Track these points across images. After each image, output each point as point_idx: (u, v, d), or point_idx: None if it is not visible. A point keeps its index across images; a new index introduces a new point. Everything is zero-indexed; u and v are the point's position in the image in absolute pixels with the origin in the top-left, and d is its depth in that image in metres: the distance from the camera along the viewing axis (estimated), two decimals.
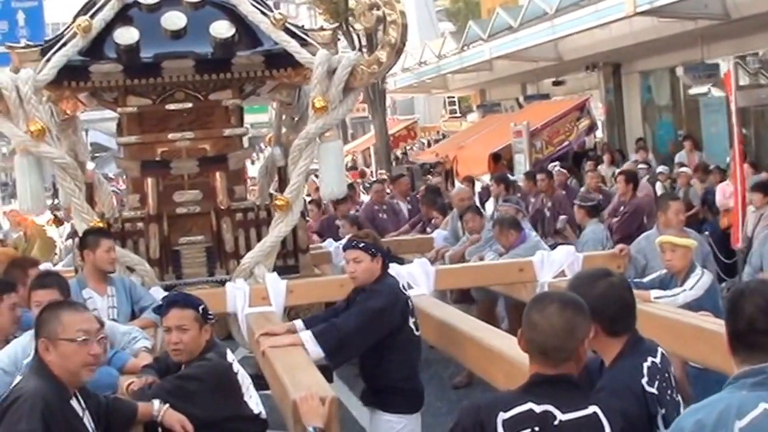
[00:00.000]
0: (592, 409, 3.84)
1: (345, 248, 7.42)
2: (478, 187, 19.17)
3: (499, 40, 28.77)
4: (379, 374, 7.11)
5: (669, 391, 4.36)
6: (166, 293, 8.62)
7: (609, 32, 24.11)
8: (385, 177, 24.82)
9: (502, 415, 3.83)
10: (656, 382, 4.29)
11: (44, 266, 9.68)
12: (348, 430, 9.69)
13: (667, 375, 4.40)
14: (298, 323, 7.45)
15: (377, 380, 7.16)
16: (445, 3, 57.37)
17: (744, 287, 3.64)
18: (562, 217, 14.74)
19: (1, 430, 4.63)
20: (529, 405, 3.83)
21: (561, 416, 3.81)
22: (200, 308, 5.95)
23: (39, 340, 4.80)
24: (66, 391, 4.77)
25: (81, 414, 4.80)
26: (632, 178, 14.45)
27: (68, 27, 9.57)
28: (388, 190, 18.60)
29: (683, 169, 19.10)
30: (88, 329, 4.80)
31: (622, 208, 13.92)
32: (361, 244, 7.19)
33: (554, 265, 9.26)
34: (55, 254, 17.70)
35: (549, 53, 28.05)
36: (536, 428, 3.80)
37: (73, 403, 4.79)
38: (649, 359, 4.35)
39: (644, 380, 4.25)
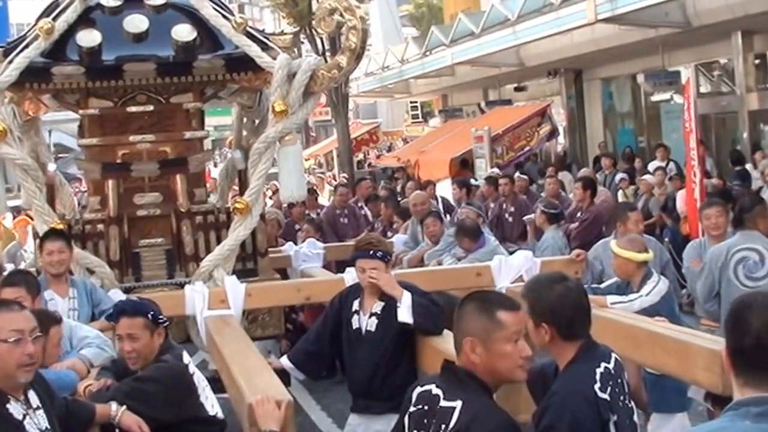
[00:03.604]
0: (456, 403, 4.02)
1: (360, 257, 7.23)
2: (439, 192, 19.10)
3: (461, 46, 28.90)
4: (407, 375, 7.10)
5: (621, 398, 4.40)
6: (125, 295, 8.65)
7: (570, 39, 24.27)
8: (344, 180, 24.85)
9: (417, 390, 4.23)
10: (609, 388, 4.33)
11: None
12: None
13: (620, 381, 4.44)
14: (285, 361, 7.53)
15: (403, 382, 7.14)
16: (409, 8, 57.42)
17: (750, 299, 3.29)
18: (529, 216, 14.81)
19: None
20: (431, 386, 4.16)
21: (442, 402, 4.07)
22: (149, 314, 5.97)
23: None
24: (1, 395, 4.66)
25: (21, 417, 4.67)
26: (590, 185, 14.47)
27: (31, 29, 9.55)
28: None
29: (645, 177, 19.18)
30: (22, 329, 4.67)
31: (579, 214, 13.96)
32: (380, 254, 7.20)
33: (512, 270, 9.26)
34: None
35: (511, 59, 28.18)
36: (426, 407, 4.13)
37: (11, 406, 4.66)
38: (603, 365, 4.39)
39: (597, 386, 4.29)
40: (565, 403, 4.21)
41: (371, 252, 7.15)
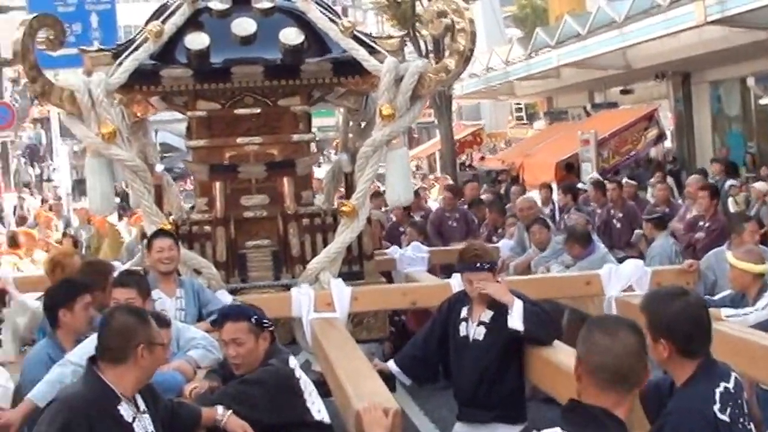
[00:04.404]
0: None
1: (468, 270, 7.14)
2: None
3: (567, 48, 28.60)
4: (514, 384, 7.11)
5: (741, 419, 4.27)
6: (232, 296, 8.70)
7: (678, 41, 23.86)
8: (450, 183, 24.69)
9: None
10: (728, 409, 4.20)
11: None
12: None
13: (740, 402, 4.31)
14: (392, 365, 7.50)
15: (510, 391, 7.10)
16: (513, 9, 57.12)
17: None
18: (637, 231, 14.54)
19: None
20: (556, 429, 3.77)
21: None
22: (253, 319, 5.95)
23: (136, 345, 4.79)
24: (113, 397, 4.72)
25: (131, 419, 4.74)
26: (716, 194, 14.09)
27: (140, 32, 9.65)
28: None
29: (756, 184, 18.72)
30: None
31: (701, 223, 13.60)
32: (487, 266, 7.12)
33: (622, 279, 9.06)
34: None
35: (617, 61, 27.81)
36: None
37: (122, 408, 4.73)
38: (722, 385, 4.27)
39: (716, 407, 4.17)
40: (683, 422, 4.10)
41: (478, 265, 7.07)
